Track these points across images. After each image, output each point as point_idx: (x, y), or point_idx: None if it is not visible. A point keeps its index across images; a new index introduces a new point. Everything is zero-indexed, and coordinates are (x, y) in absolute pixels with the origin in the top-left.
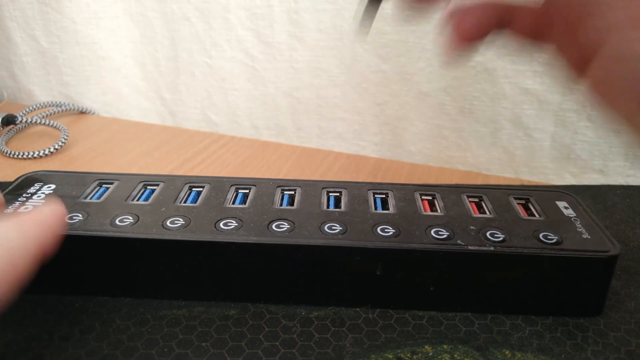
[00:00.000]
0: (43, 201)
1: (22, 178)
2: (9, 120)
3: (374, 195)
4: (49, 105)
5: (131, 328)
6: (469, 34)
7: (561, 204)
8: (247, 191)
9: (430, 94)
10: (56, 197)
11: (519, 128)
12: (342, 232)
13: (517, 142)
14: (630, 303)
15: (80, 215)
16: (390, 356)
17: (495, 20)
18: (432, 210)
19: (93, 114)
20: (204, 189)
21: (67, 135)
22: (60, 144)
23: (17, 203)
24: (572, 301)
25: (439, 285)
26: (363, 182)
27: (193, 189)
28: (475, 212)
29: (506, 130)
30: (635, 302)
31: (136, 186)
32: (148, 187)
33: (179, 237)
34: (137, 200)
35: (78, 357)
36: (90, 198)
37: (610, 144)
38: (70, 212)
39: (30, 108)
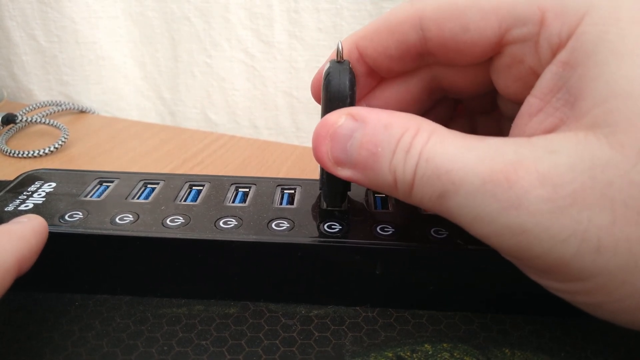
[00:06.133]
0: (25, 220)
1: (23, 176)
2: (9, 119)
3: (373, 195)
4: (49, 105)
5: (131, 326)
6: None
7: None
8: (247, 190)
9: None
10: (38, 215)
11: None
12: (341, 231)
13: None
14: None
15: (80, 214)
16: (390, 354)
17: None
18: None
19: (93, 113)
20: (204, 188)
21: (67, 134)
22: (60, 142)
23: (18, 201)
24: None
25: (439, 285)
26: None
27: (193, 188)
28: None
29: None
30: None
31: (136, 184)
32: (148, 186)
33: (178, 236)
34: (137, 198)
35: (78, 355)
36: (91, 196)
37: None
38: (70, 210)
39: (30, 107)
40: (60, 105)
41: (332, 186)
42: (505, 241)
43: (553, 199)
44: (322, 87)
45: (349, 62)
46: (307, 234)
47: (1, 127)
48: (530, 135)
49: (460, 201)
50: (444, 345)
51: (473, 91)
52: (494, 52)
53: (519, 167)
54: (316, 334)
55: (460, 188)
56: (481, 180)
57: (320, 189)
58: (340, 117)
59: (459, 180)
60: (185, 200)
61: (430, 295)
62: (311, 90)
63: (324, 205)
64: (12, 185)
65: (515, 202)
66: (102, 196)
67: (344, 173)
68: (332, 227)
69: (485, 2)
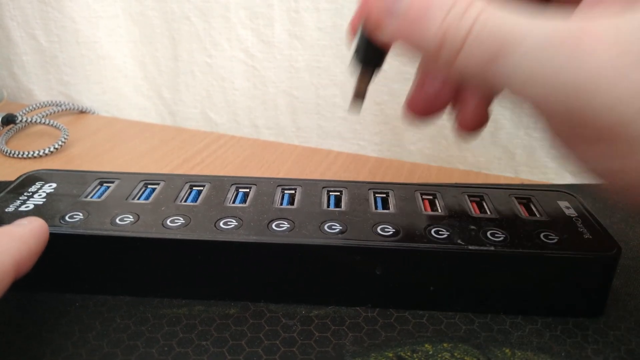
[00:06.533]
0: (26, 222)
1: (23, 177)
2: (9, 120)
3: (374, 195)
4: (49, 105)
5: (131, 327)
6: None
7: (563, 204)
8: (248, 190)
9: None
10: (39, 216)
11: (519, 127)
12: (342, 232)
13: (517, 142)
14: (630, 302)
15: (80, 214)
16: (391, 355)
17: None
18: (432, 210)
19: (93, 113)
20: (205, 188)
21: (67, 135)
22: (60, 143)
23: (18, 202)
24: (574, 302)
25: (439, 285)
26: (363, 182)
27: (193, 188)
28: (476, 212)
29: (506, 129)
30: (635, 301)
31: (137, 185)
32: (149, 186)
33: (178, 237)
34: (138, 199)
35: (78, 356)
36: (91, 197)
37: None
38: (70, 211)
39: (30, 107)
40: (60, 106)
41: (370, 46)
42: (562, 101)
43: (622, 56)
44: None
45: None
46: (307, 235)
47: (1, 128)
48: None
49: (517, 59)
50: (445, 345)
51: None
52: None
53: (589, 25)
54: (316, 334)
55: (520, 44)
56: (546, 36)
57: (354, 52)
58: None
59: (521, 36)
60: (185, 201)
61: (430, 295)
62: None
63: (357, 68)
64: (12, 186)
65: (582, 58)
66: (103, 197)
67: (390, 25)
68: (333, 227)
69: None
